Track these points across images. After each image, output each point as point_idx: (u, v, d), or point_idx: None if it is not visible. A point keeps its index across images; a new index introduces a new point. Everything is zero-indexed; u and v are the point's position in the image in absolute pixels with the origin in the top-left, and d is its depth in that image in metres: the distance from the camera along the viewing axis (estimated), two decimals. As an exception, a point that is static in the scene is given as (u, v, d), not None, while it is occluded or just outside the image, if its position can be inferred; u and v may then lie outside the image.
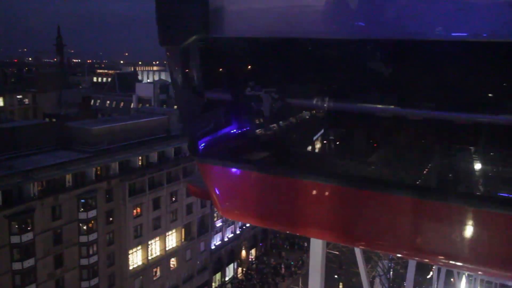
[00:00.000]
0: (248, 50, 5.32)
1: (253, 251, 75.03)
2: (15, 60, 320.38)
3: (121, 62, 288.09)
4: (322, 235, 6.61)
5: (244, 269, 71.58)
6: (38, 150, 51.75)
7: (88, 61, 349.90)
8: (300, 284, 62.39)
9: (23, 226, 44.21)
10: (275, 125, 5.75)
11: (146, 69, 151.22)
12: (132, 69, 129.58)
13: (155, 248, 58.07)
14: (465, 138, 4.92)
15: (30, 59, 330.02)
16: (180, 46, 5.11)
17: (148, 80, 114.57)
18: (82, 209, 49.30)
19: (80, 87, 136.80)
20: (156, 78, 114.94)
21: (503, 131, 4.57)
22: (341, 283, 63.38)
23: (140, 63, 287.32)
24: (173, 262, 60.65)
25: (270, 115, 5.42)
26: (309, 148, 5.87)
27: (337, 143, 5.77)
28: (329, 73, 5.12)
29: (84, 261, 50.07)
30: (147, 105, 77.80)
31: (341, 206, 5.25)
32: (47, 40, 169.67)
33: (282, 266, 71.01)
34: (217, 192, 6.16)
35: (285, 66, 5.25)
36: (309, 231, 6.38)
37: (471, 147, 5.03)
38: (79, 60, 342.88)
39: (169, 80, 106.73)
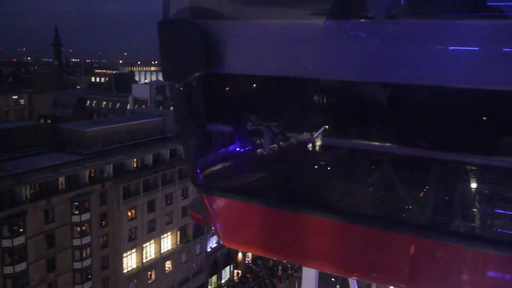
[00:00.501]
0: (249, 86, 5.57)
1: (249, 254, 74.46)
2: (14, 60, 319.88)
3: (120, 62, 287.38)
4: (322, 266, 6.85)
5: (240, 271, 71.04)
6: (31, 152, 51.17)
7: (87, 60, 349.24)
8: (296, 287, 61.84)
9: (15, 229, 43.62)
10: (274, 159, 5.93)
11: (144, 69, 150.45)
12: (129, 70, 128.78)
13: (150, 251, 57.52)
14: (456, 177, 5.11)
15: (29, 58, 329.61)
16: (183, 82, 5.36)
17: (146, 81, 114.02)
18: (75, 212, 48.71)
19: (78, 87, 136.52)
20: (154, 78, 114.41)
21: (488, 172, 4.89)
22: (338, 285, 62.75)
23: (139, 63, 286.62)
24: (168, 265, 60.10)
25: (270, 149, 5.65)
26: (309, 182, 6.02)
27: (335, 178, 5.95)
28: (325, 110, 5.38)
29: (77, 265, 49.51)
30: (143, 106, 77.25)
31: (341, 240, 5.47)
32: (47, 39, 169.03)
33: (279, 268, 70.47)
34: (219, 222, 6.26)
35: (284, 102, 5.53)
36: (311, 263, 6.79)
37: (465, 185, 5.23)
38: (78, 60, 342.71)
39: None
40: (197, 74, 5.15)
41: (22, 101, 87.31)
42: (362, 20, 4.46)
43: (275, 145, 5.61)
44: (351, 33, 4.54)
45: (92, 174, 51.47)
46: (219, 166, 6.31)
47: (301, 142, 5.61)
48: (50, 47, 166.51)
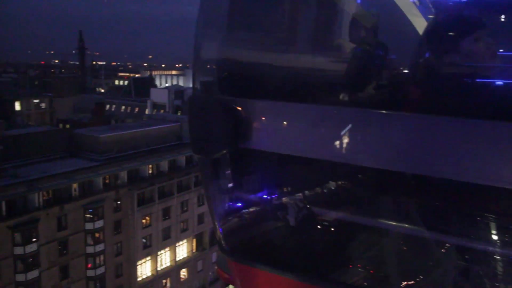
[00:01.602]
0: (274, 162, 5.59)
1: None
2: (42, 62, 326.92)
3: (144, 65, 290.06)
4: None
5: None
6: (46, 157, 50.95)
7: (113, 63, 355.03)
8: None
9: (27, 236, 43.22)
10: (309, 229, 5.79)
11: (165, 73, 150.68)
12: (149, 74, 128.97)
13: (164, 259, 56.69)
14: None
15: (56, 61, 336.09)
16: (211, 157, 5.48)
17: (166, 85, 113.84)
18: (88, 219, 48.18)
19: (102, 90, 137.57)
20: (175, 82, 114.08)
21: None
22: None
23: (163, 66, 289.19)
24: (183, 273, 59.17)
25: (295, 222, 5.60)
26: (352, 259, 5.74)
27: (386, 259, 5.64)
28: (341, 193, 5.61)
29: (90, 272, 48.99)
30: (162, 111, 76.70)
31: None
32: (74, 42, 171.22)
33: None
34: None
35: (305, 179, 5.67)
36: None
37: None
38: (104, 63, 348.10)
39: (185, 85, 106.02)
40: (224, 150, 5.30)
41: (43, 105, 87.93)
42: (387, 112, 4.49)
43: (298, 219, 5.62)
44: (377, 122, 4.55)
45: (106, 181, 50.91)
46: (248, 231, 6.23)
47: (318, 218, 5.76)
48: (77, 50, 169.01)
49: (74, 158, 53.04)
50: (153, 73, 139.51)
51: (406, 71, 4.79)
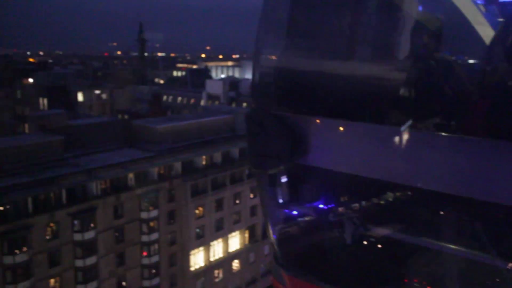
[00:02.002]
0: (332, 179, 5.68)
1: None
2: (106, 54, 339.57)
3: (202, 56, 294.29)
4: None
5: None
6: (105, 147, 52.51)
7: (172, 55, 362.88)
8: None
9: (86, 224, 44.76)
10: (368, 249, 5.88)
11: (221, 64, 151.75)
12: (205, 65, 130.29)
13: (217, 249, 57.16)
14: None
15: (119, 53, 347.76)
16: (269, 172, 5.66)
17: (222, 76, 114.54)
18: (144, 209, 49.24)
19: (162, 81, 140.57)
20: (231, 74, 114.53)
21: None
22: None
23: (220, 57, 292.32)
24: (236, 264, 59.46)
25: (352, 240, 5.67)
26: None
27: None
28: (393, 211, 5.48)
29: (145, 260, 50.14)
30: (216, 102, 77.16)
31: None
32: (136, 35, 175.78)
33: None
34: None
35: (364, 197, 5.64)
36: None
37: None
38: (164, 54, 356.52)
39: (240, 77, 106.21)
40: (282, 166, 5.40)
41: (104, 96, 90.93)
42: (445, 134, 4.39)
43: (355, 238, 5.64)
44: (434, 145, 4.49)
45: (161, 171, 51.78)
46: (304, 246, 6.30)
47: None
48: (136, 41, 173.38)
49: (132, 149, 54.39)
50: (209, 64, 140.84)
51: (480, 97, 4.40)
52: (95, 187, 45.67)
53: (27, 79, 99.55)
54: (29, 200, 41.41)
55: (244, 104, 72.45)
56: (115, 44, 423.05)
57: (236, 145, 58.09)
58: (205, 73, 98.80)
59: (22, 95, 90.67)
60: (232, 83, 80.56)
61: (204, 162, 55.67)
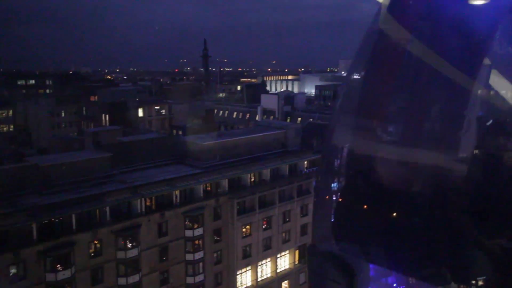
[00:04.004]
0: None
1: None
2: (176, 70, 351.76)
3: (268, 70, 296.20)
4: None
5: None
6: (153, 163, 52.63)
7: (239, 69, 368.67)
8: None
9: (129, 241, 44.61)
10: None
11: (279, 78, 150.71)
12: (262, 79, 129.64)
13: (265, 269, 55.28)
14: None
15: (188, 68, 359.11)
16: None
17: (281, 90, 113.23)
18: (189, 227, 48.51)
19: (224, 95, 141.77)
20: (290, 88, 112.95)
21: None
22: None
23: (286, 70, 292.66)
24: (285, 285, 57.25)
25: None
26: None
27: None
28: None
29: (190, 279, 49.24)
30: (272, 117, 75.83)
31: None
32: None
33: None
34: None
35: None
36: None
37: None
38: (231, 69, 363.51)
39: (296, 91, 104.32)
40: None
41: (163, 111, 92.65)
42: None
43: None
44: None
45: (208, 188, 50.97)
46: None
47: None
48: (201, 57, 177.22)
49: (181, 165, 54.23)
50: (270, 78, 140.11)
51: None
52: (139, 204, 45.50)
53: (94, 96, 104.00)
54: (73, 216, 41.81)
55: (299, 119, 70.59)
56: (185, 60, 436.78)
57: (286, 161, 56.25)
58: (261, 88, 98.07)
59: (87, 111, 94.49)
60: (287, 98, 79.02)
61: (252, 179, 54.25)
